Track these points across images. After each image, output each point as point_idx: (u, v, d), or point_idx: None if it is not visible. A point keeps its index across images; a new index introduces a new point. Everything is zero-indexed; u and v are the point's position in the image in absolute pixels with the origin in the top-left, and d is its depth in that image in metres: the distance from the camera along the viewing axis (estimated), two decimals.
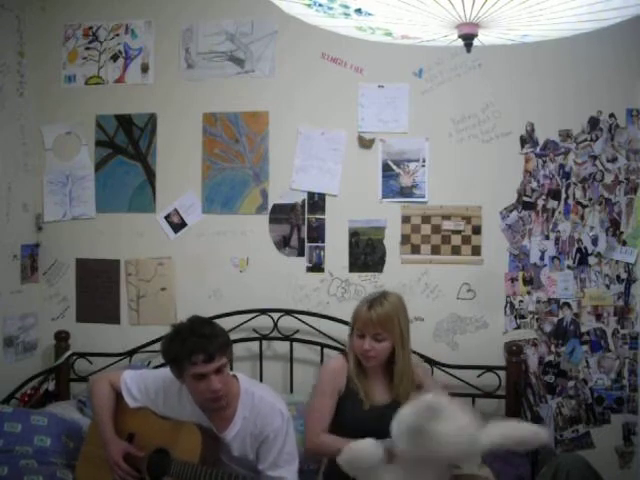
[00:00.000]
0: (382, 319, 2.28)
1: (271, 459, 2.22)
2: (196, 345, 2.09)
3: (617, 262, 3.01)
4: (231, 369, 2.30)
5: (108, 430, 2.29)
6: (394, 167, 3.11)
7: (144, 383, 2.35)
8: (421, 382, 2.39)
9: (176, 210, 3.25)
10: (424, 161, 3.09)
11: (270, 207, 3.18)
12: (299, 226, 3.17)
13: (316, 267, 3.17)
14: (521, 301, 3.06)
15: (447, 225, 3.08)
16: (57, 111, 3.31)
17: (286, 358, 3.14)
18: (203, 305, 3.15)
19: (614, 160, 3.00)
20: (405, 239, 3.11)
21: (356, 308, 2.38)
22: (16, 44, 3.15)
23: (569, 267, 3.03)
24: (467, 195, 3.07)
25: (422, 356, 2.99)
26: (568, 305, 3.03)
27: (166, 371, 2.29)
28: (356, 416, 2.31)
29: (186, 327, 2.17)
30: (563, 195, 3.03)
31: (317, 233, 3.17)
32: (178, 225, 3.25)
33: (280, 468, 2.22)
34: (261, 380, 3.07)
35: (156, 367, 2.85)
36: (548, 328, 3.05)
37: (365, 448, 1.94)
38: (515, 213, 3.06)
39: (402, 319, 2.34)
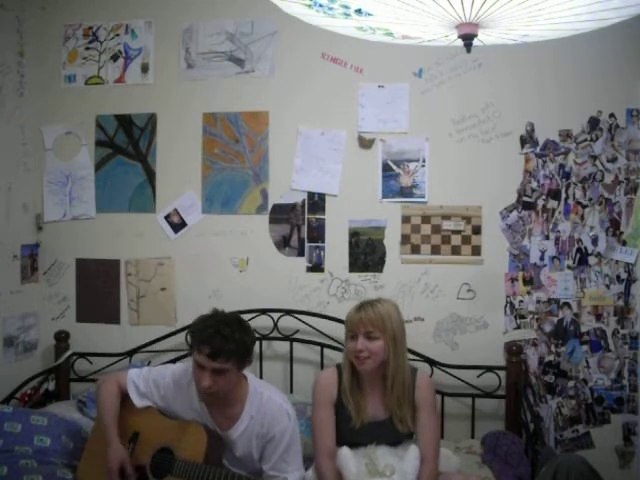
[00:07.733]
0: (372, 317, 2.25)
1: (275, 459, 2.22)
2: (209, 338, 2.11)
3: (617, 262, 3.01)
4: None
5: (111, 431, 2.29)
6: (394, 167, 3.11)
7: (152, 378, 2.36)
8: (418, 403, 2.30)
9: (176, 210, 3.25)
10: (424, 161, 3.09)
11: (270, 207, 3.19)
12: (299, 226, 3.17)
13: (316, 267, 3.17)
14: (521, 301, 3.06)
15: (447, 225, 3.08)
16: (57, 111, 3.31)
17: (286, 358, 3.15)
18: (203, 305, 3.12)
19: (614, 160, 3.00)
20: (405, 239, 3.11)
21: (347, 314, 2.36)
22: (16, 44, 3.15)
23: (569, 267, 3.03)
24: (467, 195, 3.07)
25: (422, 356, 2.99)
26: (568, 305, 3.03)
27: (174, 367, 2.33)
28: (345, 434, 2.29)
29: (220, 318, 2.20)
30: (563, 195, 3.03)
31: (317, 233, 3.17)
32: (178, 225, 3.25)
33: (284, 468, 2.23)
34: None
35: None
36: (548, 328, 3.05)
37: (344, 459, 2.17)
38: (515, 213, 3.05)
39: (395, 322, 2.29)
